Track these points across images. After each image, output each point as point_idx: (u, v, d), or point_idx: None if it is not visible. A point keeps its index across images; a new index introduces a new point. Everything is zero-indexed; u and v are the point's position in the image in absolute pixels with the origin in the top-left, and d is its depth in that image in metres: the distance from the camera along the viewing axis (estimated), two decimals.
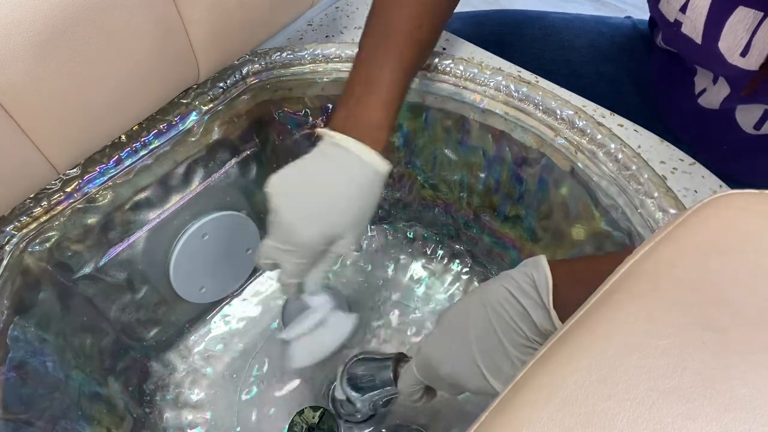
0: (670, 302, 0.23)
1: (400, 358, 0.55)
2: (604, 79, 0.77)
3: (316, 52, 0.65)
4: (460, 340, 0.44)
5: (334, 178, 0.46)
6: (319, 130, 0.49)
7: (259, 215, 0.75)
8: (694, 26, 0.55)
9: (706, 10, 0.53)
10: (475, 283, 0.77)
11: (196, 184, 0.65)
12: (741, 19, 0.51)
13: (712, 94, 0.63)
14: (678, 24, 0.57)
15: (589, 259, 0.51)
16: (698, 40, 0.56)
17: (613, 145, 0.55)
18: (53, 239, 0.56)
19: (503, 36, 0.79)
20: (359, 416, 0.65)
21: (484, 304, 0.43)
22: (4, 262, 0.52)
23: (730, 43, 0.53)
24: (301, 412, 0.63)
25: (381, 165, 0.47)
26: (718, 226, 0.26)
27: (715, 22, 0.53)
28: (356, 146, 0.46)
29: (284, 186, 0.47)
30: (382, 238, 0.82)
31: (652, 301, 0.23)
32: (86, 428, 0.57)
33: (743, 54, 0.53)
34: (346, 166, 0.46)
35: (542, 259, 0.42)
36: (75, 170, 0.56)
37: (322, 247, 0.48)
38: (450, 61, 0.63)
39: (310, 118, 0.70)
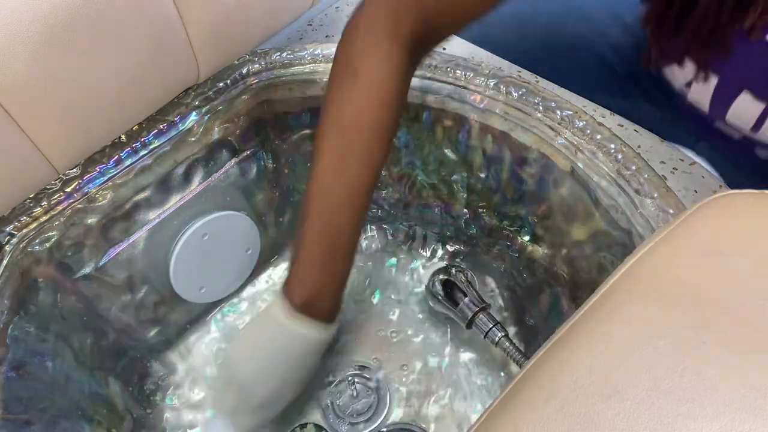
0: (670, 302, 0.23)
1: None
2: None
3: (316, 52, 0.65)
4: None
5: (283, 354, 0.51)
6: (277, 301, 0.51)
7: (259, 215, 0.75)
8: (699, 101, 0.56)
9: (710, 97, 0.54)
10: (475, 284, 0.77)
11: (196, 184, 0.65)
12: (747, 106, 0.52)
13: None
14: (684, 94, 0.58)
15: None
16: (705, 109, 0.56)
17: (613, 145, 0.55)
18: (53, 239, 0.56)
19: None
20: None
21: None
22: (4, 262, 0.52)
23: (738, 120, 0.54)
24: (303, 426, 0.64)
25: (327, 335, 0.52)
26: (718, 226, 0.26)
27: (721, 103, 0.54)
28: (309, 331, 0.50)
29: (240, 354, 0.53)
30: (382, 238, 0.82)
31: (652, 301, 0.23)
32: (86, 428, 0.57)
33: (754, 129, 0.54)
34: (295, 345, 0.51)
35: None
36: (75, 170, 0.56)
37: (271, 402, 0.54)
38: (450, 61, 0.63)
39: (310, 118, 0.70)
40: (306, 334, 0.49)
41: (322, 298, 0.50)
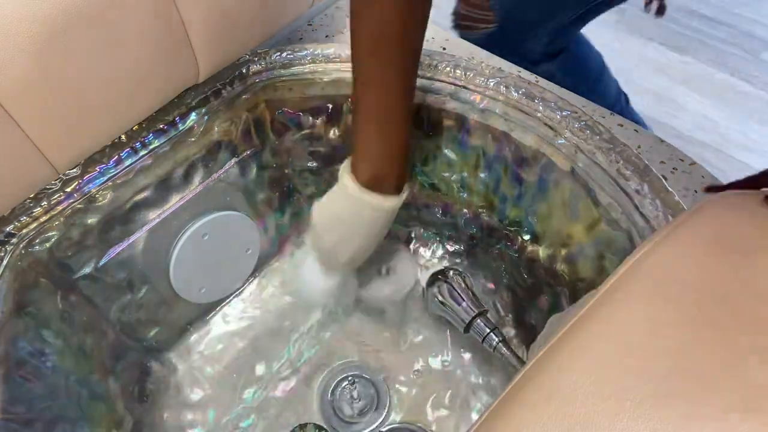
0: (671, 302, 0.23)
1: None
2: None
3: (316, 52, 0.65)
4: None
5: (357, 221, 0.57)
6: (346, 178, 0.55)
7: (259, 215, 0.75)
8: None
9: None
10: (475, 283, 0.77)
11: (196, 184, 0.65)
12: None
13: None
14: None
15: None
16: None
17: (613, 145, 0.55)
18: (53, 239, 0.56)
19: None
20: None
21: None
22: (4, 262, 0.52)
23: None
24: (303, 426, 0.64)
25: (393, 204, 0.56)
26: (718, 226, 0.26)
27: None
28: (376, 202, 0.55)
29: (322, 217, 0.59)
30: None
31: (652, 301, 0.23)
32: (86, 428, 0.57)
33: None
34: (366, 214, 0.56)
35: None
36: (75, 170, 0.56)
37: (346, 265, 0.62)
38: (450, 61, 0.63)
39: (310, 118, 0.70)
40: (377, 206, 0.55)
41: (386, 172, 0.54)
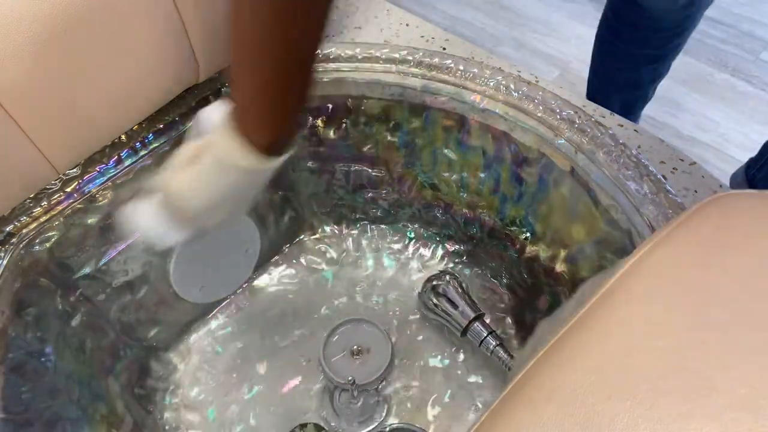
0: (670, 302, 0.23)
1: None
2: None
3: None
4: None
5: (230, 189, 0.50)
6: (233, 147, 0.47)
7: (259, 215, 0.75)
8: None
9: None
10: (475, 283, 0.77)
11: None
12: None
13: None
14: None
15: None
16: None
17: (613, 145, 0.55)
18: (53, 239, 0.56)
19: None
20: None
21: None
22: (4, 262, 0.52)
23: None
24: (303, 426, 0.64)
25: (274, 167, 0.48)
26: (718, 226, 0.26)
27: None
28: (261, 164, 0.47)
29: (188, 188, 0.50)
30: (382, 238, 0.82)
31: (652, 301, 0.23)
32: (86, 428, 0.57)
33: None
34: (243, 180, 0.49)
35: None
36: (75, 170, 0.56)
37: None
38: (450, 61, 0.63)
39: (310, 118, 0.70)
40: (257, 169, 0.47)
41: (283, 137, 0.47)
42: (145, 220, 0.51)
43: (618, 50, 1.02)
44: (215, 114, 0.49)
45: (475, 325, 0.65)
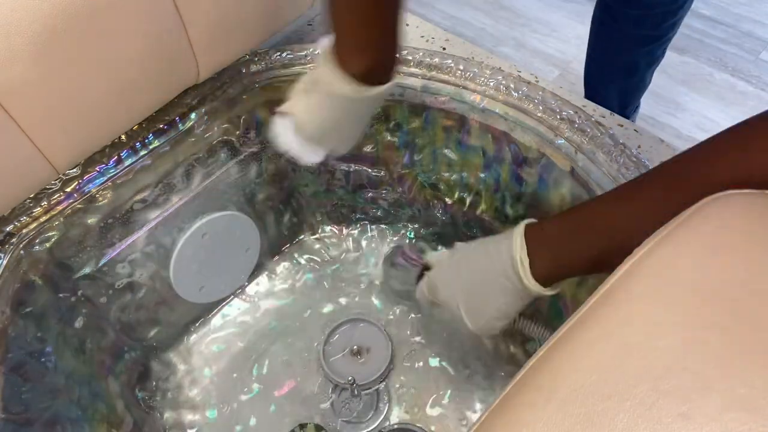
0: (670, 302, 0.23)
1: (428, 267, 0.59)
2: None
3: (316, 52, 0.65)
4: (456, 278, 0.53)
5: (345, 114, 0.53)
6: (333, 70, 0.50)
7: (259, 215, 0.75)
8: None
9: None
10: None
11: (196, 184, 0.65)
12: None
13: None
14: None
15: (567, 216, 0.49)
16: None
17: (613, 145, 0.55)
18: (53, 239, 0.56)
19: None
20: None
21: (478, 267, 0.51)
22: (4, 262, 0.52)
23: None
24: (303, 426, 0.64)
25: (383, 91, 0.51)
26: (718, 226, 0.26)
27: None
28: (369, 94, 0.50)
29: (304, 109, 0.54)
30: (382, 238, 0.82)
31: (652, 301, 0.23)
32: (86, 428, 0.57)
33: None
34: (356, 107, 0.52)
35: (516, 241, 0.47)
36: (75, 170, 0.56)
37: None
38: (450, 61, 0.63)
39: None
40: (367, 98, 0.50)
41: (379, 63, 0.50)
42: (287, 139, 0.55)
43: (613, 31, 1.02)
44: (323, 45, 0.51)
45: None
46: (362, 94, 0.49)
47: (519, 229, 0.48)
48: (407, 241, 0.81)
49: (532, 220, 0.49)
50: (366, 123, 0.56)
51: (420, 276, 0.59)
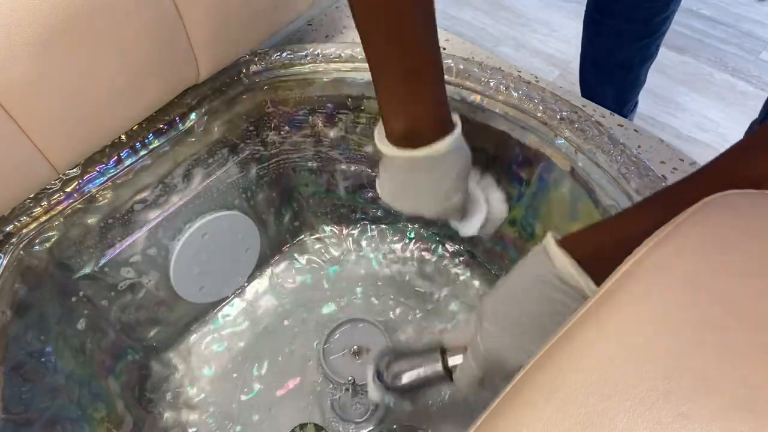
0: (670, 302, 0.23)
1: (444, 350, 0.54)
2: None
3: (316, 52, 0.65)
4: (519, 334, 0.46)
5: (417, 181, 0.53)
6: (382, 146, 0.51)
7: (259, 215, 0.75)
8: None
9: None
10: (475, 283, 0.77)
11: (196, 184, 0.65)
12: None
13: None
14: None
15: (610, 225, 0.47)
16: None
17: (612, 145, 0.55)
18: (53, 239, 0.56)
19: None
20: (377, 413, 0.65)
21: (530, 297, 0.46)
22: (4, 262, 0.52)
23: None
24: (303, 426, 0.64)
25: (443, 147, 0.49)
26: (718, 226, 0.26)
27: None
28: (422, 154, 0.50)
29: (385, 192, 0.56)
30: (382, 238, 0.82)
31: (652, 301, 0.23)
32: (86, 428, 0.57)
33: None
34: (419, 169, 0.52)
35: (556, 253, 0.44)
36: (75, 170, 0.56)
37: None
38: (450, 61, 0.63)
39: (310, 118, 0.70)
40: (425, 157, 0.49)
41: (421, 123, 0.49)
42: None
43: (605, 29, 1.02)
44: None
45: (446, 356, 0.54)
46: (404, 154, 0.49)
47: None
48: (407, 240, 0.81)
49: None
50: (452, 181, 0.53)
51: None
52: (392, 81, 0.48)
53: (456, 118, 0.51)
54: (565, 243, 0.44)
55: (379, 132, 0.51)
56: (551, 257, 0.44)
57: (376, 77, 0.49)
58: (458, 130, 0.50)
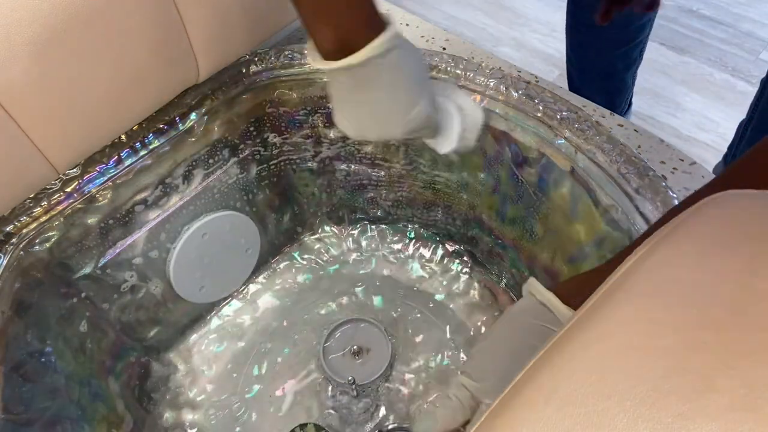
0: (670, 302, 0.23)
1: None
2: None
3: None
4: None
5: (379, 96, 0.47)
6: (314, 59, 0.46)
7: (259, 215, 0.75)
8: None
9: None
10: (475, 284, 0.77)
11: (196, 184, 0.65)
12: None
13: None
14: None
15: (600, 272, 0.48)
16: None
17: (612, 145, 0.55)
18: (53, 239, 0.56)
19: None
20: None
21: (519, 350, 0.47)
22: (4, 262, 0.52)
23: None
24: (303, 426, 0.64)
25: (380, 45, 0.44)
26: (718, 225, 0.26)
27: None
28: (359, 62, 0.44)
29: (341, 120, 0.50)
30: (382, 238, 0.82)
31: (652, 301, 0.23)
32: (86, 428, 0.57)
33: None
34: (375, 83, 0.46)
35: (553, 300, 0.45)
36: (75, 170, 0.56)
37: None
38: (450, 61, 0.63)
39: (310, 118, 0.70)
40: (358, 66, 0.44)
41: (350, 27, 0.43)
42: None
43: (584, 37, 1.03)
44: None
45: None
46: (336, 64, 0.44)
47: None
48: (407, 240, 0.81)
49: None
50: (404, 86, 0.47)
51: None
52: None
53: (389, 17, 0.45)
54: (558, 291, 0.46)
55: (310, 49, 0.46)
56: (545, 303, 0.46)
57: None
58: (393, 27, 0.44)
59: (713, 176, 0.55)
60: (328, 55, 0.45)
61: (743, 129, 0.95)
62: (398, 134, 0.48)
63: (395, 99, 0.47)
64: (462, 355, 0.71)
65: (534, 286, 0.48)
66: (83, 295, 0.61)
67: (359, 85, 0.46)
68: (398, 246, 0.81)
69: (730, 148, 1.03)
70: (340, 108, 0.49)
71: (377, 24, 0.44)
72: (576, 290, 0.46)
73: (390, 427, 0.66)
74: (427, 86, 0.49)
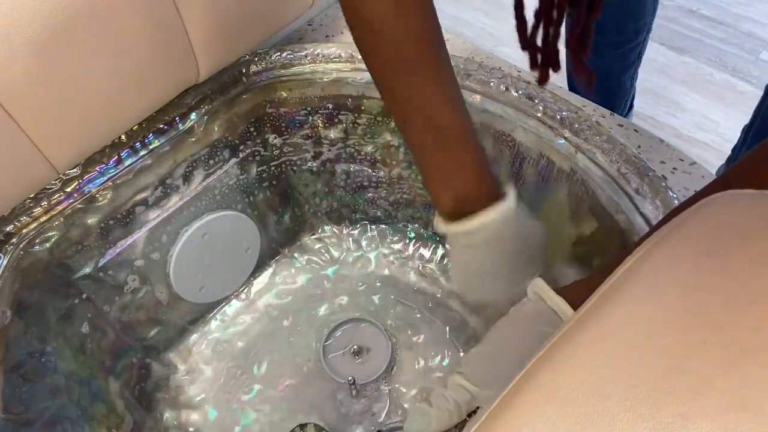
0: (670, 302, 0.23)
1: None
2: None
3: (316, 52, 0.65)
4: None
5: (491, 261, 0.49)
6: (440, 225, 0.49)
7: (259, 215, 0.75)
8: None
9: None
10: None
11: (196, 184, 0.65)
12: None
13: None
14: None
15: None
16: None
17: (612, 146, 0.55)
18: (53, 239, 0.56)
19: None
20: None
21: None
22: (4, 262, 0.52)
23: None
24: (303, 426, 0.64)
25: (499, 214, 0.46)
26: (718, 226, 0.26)
27: None
28: (476, 224, 0.46)
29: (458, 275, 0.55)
30: (383, 238, 0.82)
31: (652, 301, 0.23)
32: (86, 428, 0.57)
33: None
34: (488, 250, 0.48)
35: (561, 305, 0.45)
36: (75, 170, 0.56)
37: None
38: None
39: (310, 118, 0.70)
40: (473, 231, 0.46)
41: (469, 192, 0.46)
42: None
43: None
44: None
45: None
46: (455, 228, 0.47)
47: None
48: (407, 240, 0.81)
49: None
50: (521, 249, 0.49)
51: None
52: (427, 152, 0.47)
53: (508, 187, 0.48)
54: (569, 297, 0.46)
55: (435, 216, 0.49)
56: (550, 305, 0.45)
57: (416, 155, 0.48)
58: (512, 196, 0.47)
59: (713, 176, 0.55)
60: (447, 217, 0.48)
61: (746, 133, 0.96)
62: (498, 302, 0.51)
63: (507, 269, 0.49)
64: (462, 354, 0.71)
65: (541, 288, 0.46)
66: (83, 295, 0.61)
67: (471, 248, 0.48)
68: (398, 246, 0.81)
69: (733, 150, 1.03)
70: (454, 268, 0.54)
71: (493, 192, 0.47)
72: (587, 296, 0.45)
73: (390, 426, 0.66)
74: (541, 262, 0.51)
